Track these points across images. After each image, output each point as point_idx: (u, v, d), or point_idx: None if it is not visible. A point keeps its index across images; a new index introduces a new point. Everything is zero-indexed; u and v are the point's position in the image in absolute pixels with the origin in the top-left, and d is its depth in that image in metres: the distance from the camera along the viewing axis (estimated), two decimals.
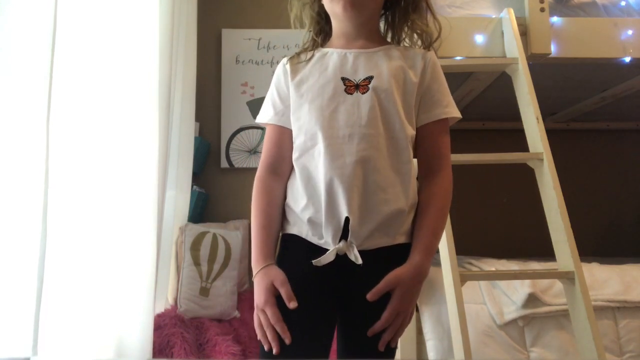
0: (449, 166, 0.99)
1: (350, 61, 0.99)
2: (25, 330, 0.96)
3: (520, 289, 1.63)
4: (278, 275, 0.92)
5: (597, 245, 2.70)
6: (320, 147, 0.94)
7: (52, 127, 1.03)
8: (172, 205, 2.00)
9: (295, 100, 1.00)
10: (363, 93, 0.95)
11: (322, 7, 1.05)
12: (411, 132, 0.96)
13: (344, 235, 0.91)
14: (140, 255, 1.49)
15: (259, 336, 0.92)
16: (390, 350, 0.94)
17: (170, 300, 2.06)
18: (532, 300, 1.63)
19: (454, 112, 0.99)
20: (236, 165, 2.58)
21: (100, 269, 1.31)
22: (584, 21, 1.83)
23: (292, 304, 0.89)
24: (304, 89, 0.99)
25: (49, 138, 1.01)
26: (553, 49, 1.75)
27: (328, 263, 0.91)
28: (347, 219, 0.91)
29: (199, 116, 2.45)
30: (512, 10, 1.74)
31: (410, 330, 1.55)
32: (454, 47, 1.74)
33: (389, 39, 1.09)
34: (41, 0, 1.00)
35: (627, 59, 1.72)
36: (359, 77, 0.97)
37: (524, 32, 1.75)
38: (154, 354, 1.62)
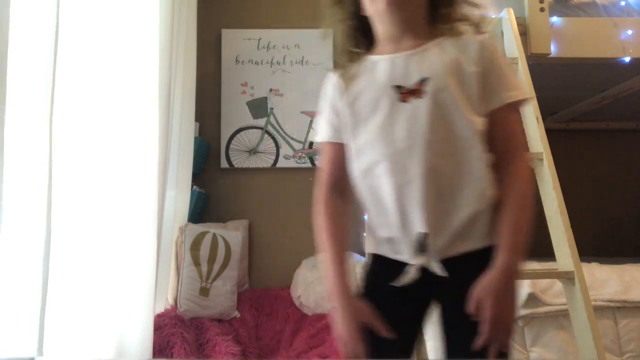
0: (523, 151, 0.93)
1: (400, 66, 0.93)
2: (30, 330, 0.96)
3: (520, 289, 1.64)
4: (364, 311, 0.91)
5: (597, 245, 2.70)
6: (382, 166, 0.91)
7: (55, 128, 1.03)
8: (172, 205, 2.01)
9: (350, 120, 0.96)
10: (419, 98, 0.90)
11: (359, 18, 0.99)
12: (478, 126, 0.90)
13: (423, 248, 0.90)
14: (140, 255, 1.49)
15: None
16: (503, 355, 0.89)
17: (170, 300, 2.06)
18: (532, 300, 1.63)
19: (520, 94, 0.92)
20: (236, 165, 2.58)
21: (101, 269, 1.31)
22: (583, 21, 1.83)
23: (388, 334, 0.89)
24: (358, 106, 0.95)
25: (52, 139, 1.01)
26: (553, 49, 1.76)
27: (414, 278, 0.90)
28: (422, 233, 0.89)
29: (199, 116, 2.45)
30: (512, 10, 1.74)
31: None
32: None
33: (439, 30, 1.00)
34: (44, 2, 1.00)
35: (627, 59, 1.72)
36: (412, 81, 0.91)
37: (524, 32, 1.75)
38: (154, 354, 1.62)
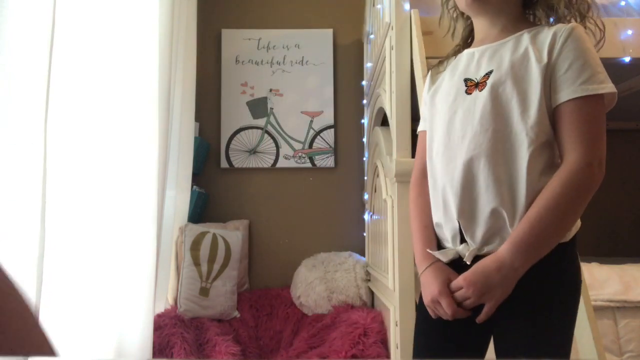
0: (580, 153, 0.83)
1: (475, 59, 0.96)
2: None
3: None
4: (449, 270, 0.92)
5: (597, 245, 2.70)
6: (440, 153, 0.96)
7: (51, 128, 1.03)
8: (172, 205, 2.01)
9: (430, 110, 1.04)
10: (481, 90, 0.91)
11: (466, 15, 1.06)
12: (535, 121, 0.86)
13: (461, 237, 0.92)
14: (140, 256, 1.49)
15: None
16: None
17: (170, 301, 2.06)
18: None
19: (592, 89, 0.83)
20: (236, 165, 2.58)
21: (101, 269, 1.31)
22: None
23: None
24: (436, 99, 1.02)
25: (47, 138, 1.01)
26: None
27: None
28: (458, 221, 0.91)
29: (199, 116, 2.45)
30: None
31: (410, 330, 1.55)
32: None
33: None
34: (40, 1, 1.00)
35: (627, 59, 1.71)
36: (480, 74, 0.93)
37: None
38: (154, 354, 1.62)
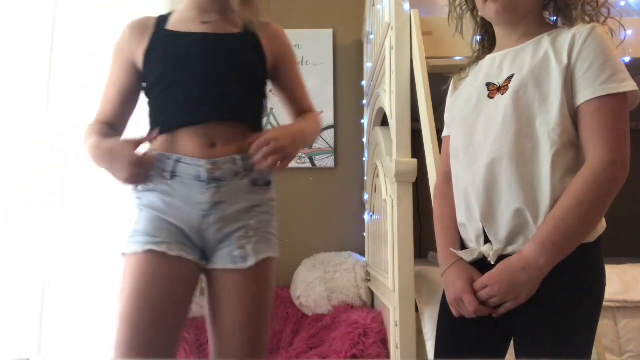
0: (602, 152, 0.83)
1: (497, 64, 0.97)
2: (29, 331, 0.96)
3: None
4: (472, 270, 0.92)
5: None
6: (462, 156, 0.97)
7: (56, 128, 1.03)
8: None
9: (450, 114, 1.07)
10: (503, 94, 0.92)
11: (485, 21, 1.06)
12: (557, 122, 0.86)
13: (485, 237, 0.92)
14: None
15: None
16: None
17: None
18: None
19: (613, 88, 0.84)
20: None
21: (102, 268, 1.32)
22: None
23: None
24: (457, 103, 1.04)
25: (51, 136, 1.01)
26: None
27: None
28: (481, 222, 0.92)
29: None
30: None
31: (410, 330, 1.55)
32: (454, 47, 1.74)
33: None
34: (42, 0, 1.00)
35: (627, 59, 1.71)
36: (502, 78, 0.94)
37: None
38: None
